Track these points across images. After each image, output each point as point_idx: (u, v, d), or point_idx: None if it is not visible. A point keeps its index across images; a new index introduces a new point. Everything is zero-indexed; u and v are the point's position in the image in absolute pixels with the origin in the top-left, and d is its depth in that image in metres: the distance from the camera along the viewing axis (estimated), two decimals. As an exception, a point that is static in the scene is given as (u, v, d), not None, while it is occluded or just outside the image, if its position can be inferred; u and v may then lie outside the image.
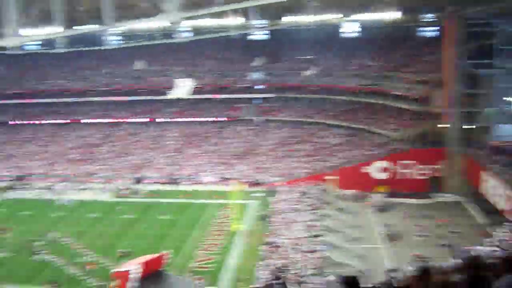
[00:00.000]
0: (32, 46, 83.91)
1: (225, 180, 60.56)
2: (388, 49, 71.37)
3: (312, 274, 32.98)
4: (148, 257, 35.30)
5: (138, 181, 62.88)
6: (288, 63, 75.73)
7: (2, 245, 44.86)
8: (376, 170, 57.26)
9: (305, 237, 40.42)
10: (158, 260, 34.52)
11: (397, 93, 62.19)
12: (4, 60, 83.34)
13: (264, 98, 75.47)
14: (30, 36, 51.60)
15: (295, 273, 33.39)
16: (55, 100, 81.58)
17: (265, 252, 38.35)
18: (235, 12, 57.82)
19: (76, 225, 49.86)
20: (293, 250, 37.94)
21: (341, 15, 59.65)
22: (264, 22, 66.76)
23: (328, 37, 75.93)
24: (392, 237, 43.06)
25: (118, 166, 67.75)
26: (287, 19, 62.49)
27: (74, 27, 56.28)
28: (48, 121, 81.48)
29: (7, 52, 71.31)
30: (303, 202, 48.85)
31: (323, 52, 75.06)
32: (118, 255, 39.95)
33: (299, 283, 30.25)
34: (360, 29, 77.14)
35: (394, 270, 8.30)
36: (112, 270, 35.80)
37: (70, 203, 56.06)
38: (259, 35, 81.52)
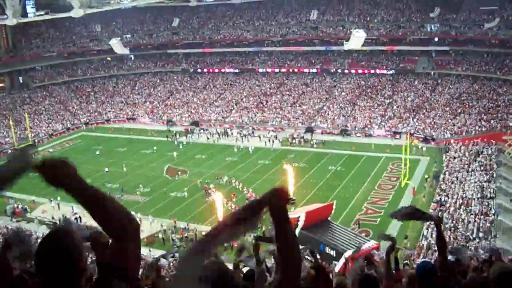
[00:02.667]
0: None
1: (397, 134, 60.70)
2: None
3: (481, 238, 32.83)
4: (316, 206, 37.57)
5: (310, 130, 65.04)
6: (468, 15, 71.62)
7: (181, 186, 49.49)
8: None
9: (478, 198, 39.68)
10: (326, 209, 36.59)
11: None
12: (184, 12, 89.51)
13: (440, 51, 72.62)
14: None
15: (463, 234, 33.48)
16: (230, 49, 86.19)
17: (434, 211, 38.36)
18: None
19: (246, 170, 53.12)
20: (463, 210, 37.61)
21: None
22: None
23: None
24: None
25: (290, 115, 70.55)
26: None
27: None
28: (224, 70, 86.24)
29: (189, 4, 76.41)
30: (477, 161, 47.42)
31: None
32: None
33: (466, 245, 30.40)
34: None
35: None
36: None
37: (248, 149, 59.80)
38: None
